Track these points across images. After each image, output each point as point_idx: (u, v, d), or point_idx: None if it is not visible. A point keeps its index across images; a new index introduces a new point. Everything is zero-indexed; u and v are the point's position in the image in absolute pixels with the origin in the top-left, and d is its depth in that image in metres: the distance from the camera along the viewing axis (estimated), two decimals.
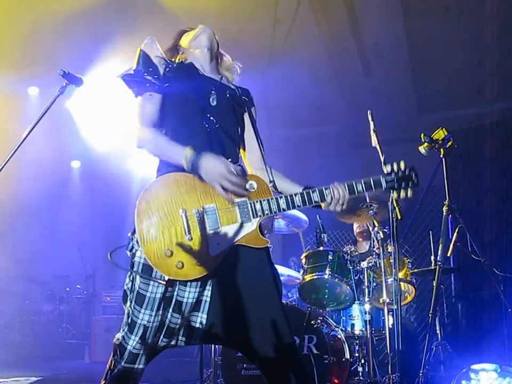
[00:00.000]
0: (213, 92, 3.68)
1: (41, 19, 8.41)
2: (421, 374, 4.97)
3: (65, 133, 11.28)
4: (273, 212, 3.45)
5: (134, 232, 3.44)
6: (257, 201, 3.43)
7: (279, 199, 3.43)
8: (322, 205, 3.49)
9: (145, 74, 3.52)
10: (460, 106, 6.67)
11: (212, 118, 3.59)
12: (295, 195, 3.46)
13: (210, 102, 3.64)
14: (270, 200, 3.44)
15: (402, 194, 3.49)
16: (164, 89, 3.59)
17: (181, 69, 3.73)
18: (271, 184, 3.60)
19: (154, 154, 3.52)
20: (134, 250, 3.51)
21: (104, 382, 3.58)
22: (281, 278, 6.35)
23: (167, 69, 3.63)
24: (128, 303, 3.55)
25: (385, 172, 3.50)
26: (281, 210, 3.44)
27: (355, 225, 7.24)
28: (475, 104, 6.65)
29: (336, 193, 3.45)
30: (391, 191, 3.50)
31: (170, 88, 3.60)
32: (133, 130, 3.56)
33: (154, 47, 3.68)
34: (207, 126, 3.57)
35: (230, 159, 3.49)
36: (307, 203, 3.45)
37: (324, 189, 3.45)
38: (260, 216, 3.44)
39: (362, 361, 5.66)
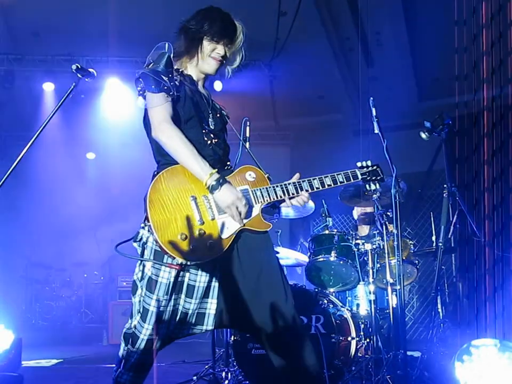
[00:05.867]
0: (209, 113, 3.86)
1: None
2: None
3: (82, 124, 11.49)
4: (271, 198, 3.72)
5: (144, 221, 3.59)
6: (257, 189, 3.71)
7: (275, 187, 3.74)
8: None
9: (165, 77, 3.59)
10: (459, 92, 6.78)
11: (211, 134, 3.78)
12: (289, 184, 3.78)
13: (209, 124, 3.81)
14: (268, 188, 3.72)
15: (373, 186, 4.04)
16: (175, 99, 3.69)
17: (183, 82, 3.79)
18: (267, 175, 3.83)
19: (172, 153, 3.59)
20: (145, 239, 3.63)
21: (119, 369, 3.71)
22: (289, 260, 6.57)
23: (177, 80, 3.71)
24: (139, 291, 3.67)
25: (359, 166, 3.99)
26: (278, 197, 3.73)
27: (355, 211, 7.31)
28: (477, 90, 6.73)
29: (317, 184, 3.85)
30: (364, 183, 4.04)
31: (178, 98, 3.70)
32: (154, 120, 3.62)
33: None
34: (206, 139, 3.75)
35: (226, 167, 3.82)
36: (298, 191, 3.78)
37: (312, 180, 3.81)
38: (261, 202, 3.69)
39: (368, 339, 5.75)
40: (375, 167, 4.03)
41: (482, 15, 6.47)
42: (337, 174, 3.87)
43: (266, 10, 8.77)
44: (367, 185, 4.06)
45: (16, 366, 5.89)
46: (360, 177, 3.97)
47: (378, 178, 4.03)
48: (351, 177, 3.93)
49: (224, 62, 3.91)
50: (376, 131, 4.84)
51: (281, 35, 9.35)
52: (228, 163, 3.90)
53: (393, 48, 9.24)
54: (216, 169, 3.57)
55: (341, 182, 3.88)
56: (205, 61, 3.85)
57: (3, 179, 3.41)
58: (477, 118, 6.43)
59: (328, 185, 3.84)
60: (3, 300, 9.13)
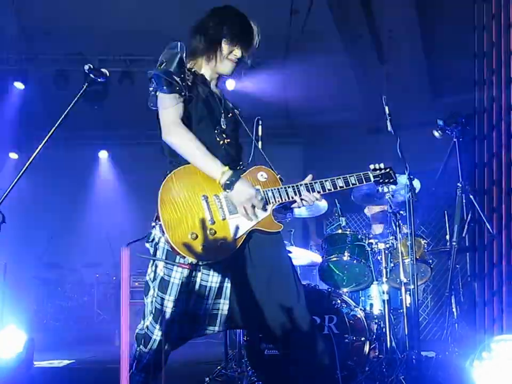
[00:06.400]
0: (222, 113, 3.84)
1: None
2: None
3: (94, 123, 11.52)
4: (283, 199, 3.72)
5: (155, 220, 3.60)
6: (269, 190, 3.70)
7: (287, 188, 3.74)
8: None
9: (177, 78, 3.58)
10: (473, 89, 6.74)
11: (223, 135, 3.78)
12: (300, 185, 3.77)
13: (222, 124, 3.80)
14: (280, 189, 3.72)
15: (385, 189, 4.09)
16: (187, 99, 3.67)
17: (196, 81, 3.78)
18: (279, 176, 3.83)
19: (183, 155, 3.59)
20: (157, 239, 3.65)
21: (131, 370, 3.70)
22: (302, 260, 6.54)
23: (189, 80, 3.70)
24: (151, 291, 3.68)
25: (372, 169, 3.98)
26: (290, 198, 3.73)
27: (367, 209, 7.27)
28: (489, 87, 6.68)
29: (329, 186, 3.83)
30: (377, 185, 4.08)
31: (190, 98, 3.69)
32: (164, 123, 3.63)
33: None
34: (218, 140, 3.75)
35: (238, 167, 3.81)
36: (310, 192, 3.77)
37: (324, 181, 3.80)
38: (273, 203, 3.69)
39: (381, 339, 5.71)
40: (387, 170, 4.03)
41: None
42: (349, 176, 3.86)
43: (278, 8, 8.74)
44: (380, 188, 4.09)
45: (28, 366, 5.88)
46: (372, 179, 3.96)
47: (391, 180, 4.04)
48: (364, 180, 3.92)
49: (240, 63, 3.90)
50: (389, 129, 4.81)
51: (293, 33, 9.33)
52: (241, 163, 3.88)
53: (407, 45, 9.19)
54: (228, 167, 3.57)
55: (353, 184, 3.87)
56: (221, 62, 3.83)
57: (17, 178, 3.42)
58: (497, 122, 6.36)
59: (340, 187, 3.83)
60: (15, 300, 9.13)
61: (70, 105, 3.65)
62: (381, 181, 4.01)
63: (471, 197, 5.62)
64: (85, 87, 3.76)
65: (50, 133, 3.59)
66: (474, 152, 6.50)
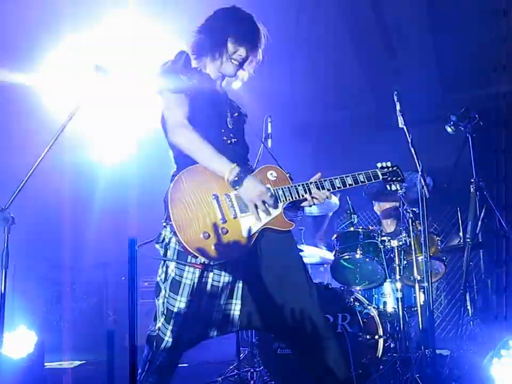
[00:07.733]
0: (228, 112, 3.84)
1: None
2: None
3: None
4: (294, 198, 3.71)
5: (166, 220, 3.58)
6: (279, 188, 3.69)
7: (297, 186, 3.73)
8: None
9: (184, 77, 3.59)
10: (483, 85, 6.69)
11: (230, 134, 3.77)
12: (310, 183, 3.76)
13: (228, 124, 3.80)
14: (290, 187, 3.71)
15: (393, 187, 4.08)
16: (192, 97, 3.67)
17: (202, 81, 3.77)
18: (288, 174, 3.81)
19: (190, 154, 3.57)
20: (167, 240, 3.62)
21: (143, 373, 3.70)
22: (314, 259, 6.52)
23: (195, 80, 3.69)
24: (163, 292, 3.65)
25: (379, 167, 4.02)
26: (300, 196, 3.72)
27: (376, 207, 7.20)
28: (499, 83, 6.62)
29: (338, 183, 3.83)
30: (385, 183, 4.06)
31: (196, 98, 3.69)
32: (169, 123, 3.62)
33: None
34: (225, 139, 3.74)
35: (247, 166, 3.81)
36: (320, 190, 3.76)
37: (333, 179, 3.81)
38: (283, 201, 3.68)
39: (395, 337, 5.69)
40: (395, 168, 4.05)
41: None
42: (358, 174, 3.88)
43: (285, 2, 8.70)
44: (388, 186, 4.09)
45: (40, 368, 5.89)
46: (381, 177, 3.99)
47: (398, 179, 4.05)
48: (372, 177, 3.94)
49: (244, 63, 3.87)
50: (401, 125, 4.76)
51: (300, 28, 9.28)
52: (248, 162, 3.86)
53: (416, 40, 9.13)
54: (236, 164, 3.54)
55: (362, 182, 3.89)
56: (226, 62, 3.79)
57: (25, 179, 3.40)
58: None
59: (350, 184, 3.84)
60: (24, 302, 9.12)
61: (77, 107, 3.63)
62: (388, 179, 4.02)
63: (485, 193, 5.57)
64: (92, 86, 3.74)
65: (57, 133, 3.56)
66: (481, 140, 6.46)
